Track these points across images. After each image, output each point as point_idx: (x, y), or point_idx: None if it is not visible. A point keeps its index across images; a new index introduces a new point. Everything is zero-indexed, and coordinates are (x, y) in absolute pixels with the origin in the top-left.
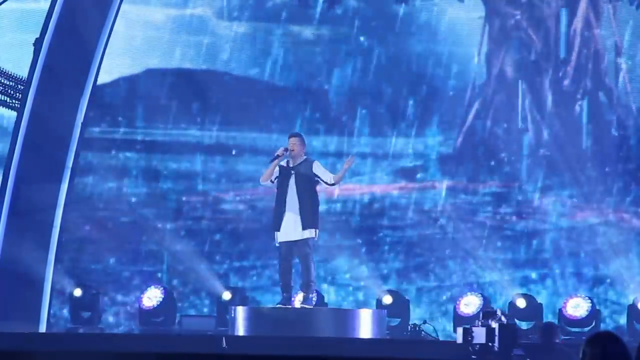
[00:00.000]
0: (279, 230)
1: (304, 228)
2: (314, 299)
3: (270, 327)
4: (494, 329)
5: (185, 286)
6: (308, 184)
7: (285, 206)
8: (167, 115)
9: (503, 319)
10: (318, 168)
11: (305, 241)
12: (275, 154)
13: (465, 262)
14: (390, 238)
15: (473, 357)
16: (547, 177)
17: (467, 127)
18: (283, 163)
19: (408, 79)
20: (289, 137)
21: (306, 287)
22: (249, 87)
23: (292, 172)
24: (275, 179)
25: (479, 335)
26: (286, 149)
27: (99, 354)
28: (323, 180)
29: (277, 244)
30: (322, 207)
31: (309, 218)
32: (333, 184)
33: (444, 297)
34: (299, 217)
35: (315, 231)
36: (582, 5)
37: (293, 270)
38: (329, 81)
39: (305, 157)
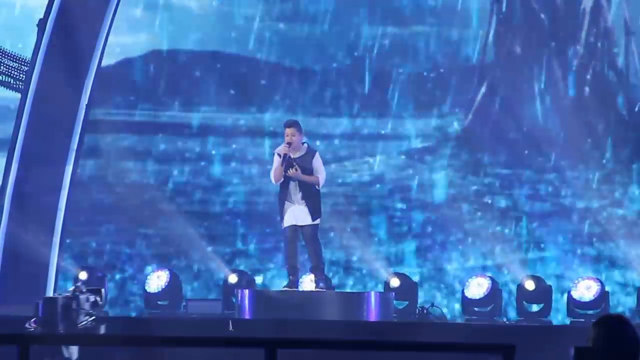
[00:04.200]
0: (283, 219)
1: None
2: (324, 280)
3: (276, 310)
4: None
5: (191, 269)
6: (310, 175)
7: (288, 196)
8: (173, 96)
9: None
10: (317, 162)
11: (311, 227)
12: (282, 154)
13: (474, 244)
14: (397, 220)
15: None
16: (556, 157)
17: (475, 108)
18: (285, 151)
19: (415, 59)
20: (285, 127)
21: (316, 270)
22: (256, 67)
23: (294, 162)
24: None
25: None
26: (288, 143)
27: (104, 337)
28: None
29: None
30: (329, 189)
31: (311, 209)
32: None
33: (452, 279)
34: (302, 207)
35: (319, 219)
36: None
37: (299, 253)
38: (334, 60)
39: (306, 146)
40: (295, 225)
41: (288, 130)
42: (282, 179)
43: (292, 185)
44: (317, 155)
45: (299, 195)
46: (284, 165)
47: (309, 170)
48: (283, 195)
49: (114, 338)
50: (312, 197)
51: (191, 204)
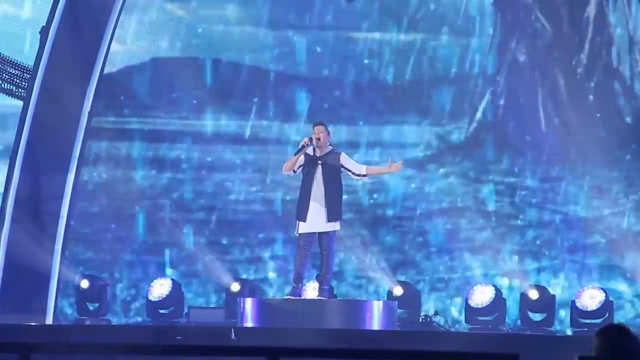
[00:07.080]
0: (304, 221)
1: (328, 220)
2: (328, 290)
3: (279, 318)
4: None
5: (193, 277)
6: (335, 175)
7: (310, 196)
8: (176, 104)
9: None
10: (346, 160)
11: (328, 234)
12: (301, 145)
13: (477, 253)
14: (400, 228)
15: None
16: (559, 166)
17: (478, 117)
18: (309, 152)
19: (418, 67)
20: (314, 125)
21: (323, 279)
22: (258, 75)
23: (319, 162)
24: (298, 168)
25: None
26: (311, 139)
27: (106, 346)
28: (353, 172)
29: (296, 234)
30: None
31: (333, 210)
32: (365, 175)
33: (456, 288)
34: (324, 208)
35: (339, 223)
36: None
37: (308, 262)
38: (335, 69)
39: (331, 147)
40: (310, 233)
41: (316, 128)
42: (294, 173)
43: (316, 185)
44: (344, 154)
45: (322, 193)
46: (307, 162)
47: (335, 168)
48: (305, 192)
49: (116, 347)
50: (334, 197)
51: (194, 211)
